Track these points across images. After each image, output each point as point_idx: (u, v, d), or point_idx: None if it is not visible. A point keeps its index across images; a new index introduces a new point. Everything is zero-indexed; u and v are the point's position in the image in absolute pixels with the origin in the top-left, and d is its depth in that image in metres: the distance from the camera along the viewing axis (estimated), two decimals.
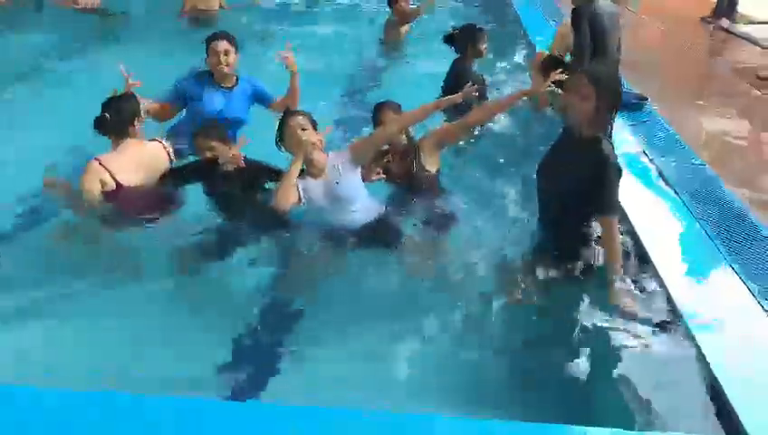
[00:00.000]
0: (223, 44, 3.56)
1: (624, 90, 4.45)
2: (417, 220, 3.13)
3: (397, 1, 6.12)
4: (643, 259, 2.69)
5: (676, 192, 3.17)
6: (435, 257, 2.98)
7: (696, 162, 3.50)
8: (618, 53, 3.96)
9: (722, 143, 3.95)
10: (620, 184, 2.45)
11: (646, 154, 3.59)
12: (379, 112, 3.26)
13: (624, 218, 2.97)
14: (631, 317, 2.45)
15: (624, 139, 3.82)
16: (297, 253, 2.98)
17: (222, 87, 3.64)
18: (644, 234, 2.81)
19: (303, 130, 2.83)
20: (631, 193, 3.15)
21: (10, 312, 2.57)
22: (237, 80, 3.68)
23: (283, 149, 2.91)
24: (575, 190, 2.47)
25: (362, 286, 2.77)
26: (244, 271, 2.92)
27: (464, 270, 2.85)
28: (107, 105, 3.00)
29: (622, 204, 3.00)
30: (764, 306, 2.35)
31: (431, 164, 3.23)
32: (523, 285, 2.68)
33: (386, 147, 3.20)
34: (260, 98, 3.73)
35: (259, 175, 3.13)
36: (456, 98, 3.18)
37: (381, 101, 3.39)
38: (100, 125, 2.96)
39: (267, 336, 2.55)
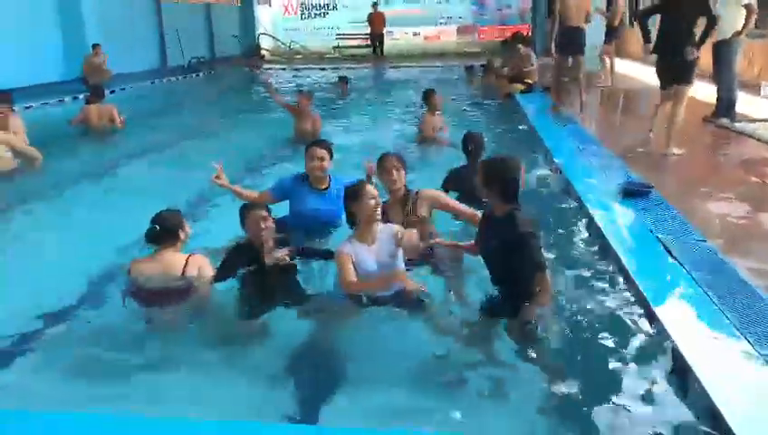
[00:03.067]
0: (320, 151, 4.08)
1: (630, 179, 4.99)
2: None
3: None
4: (651, 316, 3.02)
5: (679, 262, 3.53)
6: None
7: (698, 238, 3.87)
8: None
9: (727, 224, 4.32)
10: (538, 241, 3.00)
11: (652, 232, 3.98)
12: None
13: (635, 288, 3.34)
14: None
15: (632, 220, 4.24)
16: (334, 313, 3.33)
17: (317, 189, 4.13)
18: (651, 298, 3.15)
19: (374, 197, 3.27)
20: (640, 266, 3.54)
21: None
22: (330, 181, 4.17)
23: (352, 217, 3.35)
24: (506, 257, 2.99)
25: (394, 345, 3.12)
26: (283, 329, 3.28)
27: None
28: (156, 219, 3.38)
29: (632, 275, 3.42)
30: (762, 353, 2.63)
31: (425, 214, 3.79)
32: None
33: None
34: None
35: (304, 255, 3.60)
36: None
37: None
38: (151, 237, 3.37)
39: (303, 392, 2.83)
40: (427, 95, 7.55)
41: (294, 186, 4.16)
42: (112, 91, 12.71)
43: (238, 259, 3.50)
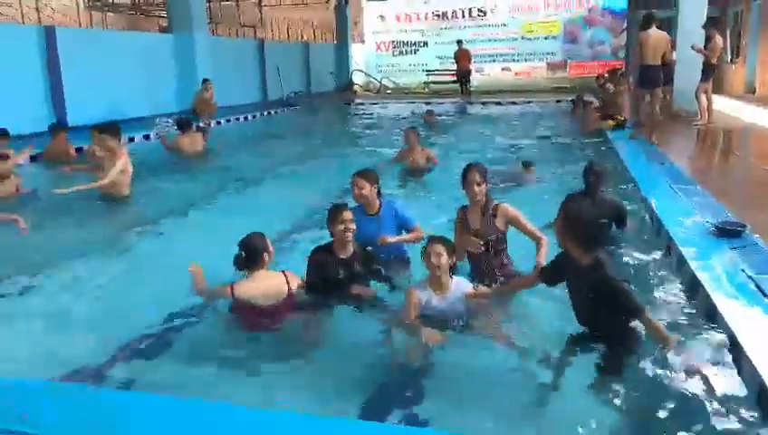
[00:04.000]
0: (358, 181, 4.38)
1: (724, 219, 4.94)
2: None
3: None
4: (741, 355, 3.04)
5: None
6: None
7: None
8: None
9: None
10: (631, 286, 3.07)
11: (744, 271, 3.96)
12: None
13: (723, 325, 3.35)
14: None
15: (724, 260, 4.21)
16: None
17: (369, 214, 4.43)
18: (741, 337, 3.16)
19: (439, 255, 3.54)
20: (729, 304, 3.54)
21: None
22: (380, 206, 4.46)
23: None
24: (598, 305, 3.05)
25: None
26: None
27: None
28: (242, 244, 3.66)
29: (722, 312, 3.43)
30: None
31: (501, 227, 4.04)
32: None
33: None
34: (401, 221, 4.41)
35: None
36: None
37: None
38: (237, 262, 3.66)
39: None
40: (525, 166, 7.75)
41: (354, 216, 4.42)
42: (218, 123, 13.78)
43: (318, 265, 3.91)
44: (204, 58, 15.41)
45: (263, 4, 25.54)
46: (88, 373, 3.34)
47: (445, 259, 3.53)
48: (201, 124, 11.56)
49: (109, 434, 2.32)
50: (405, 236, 4.40)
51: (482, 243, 4.02)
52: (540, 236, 4.03)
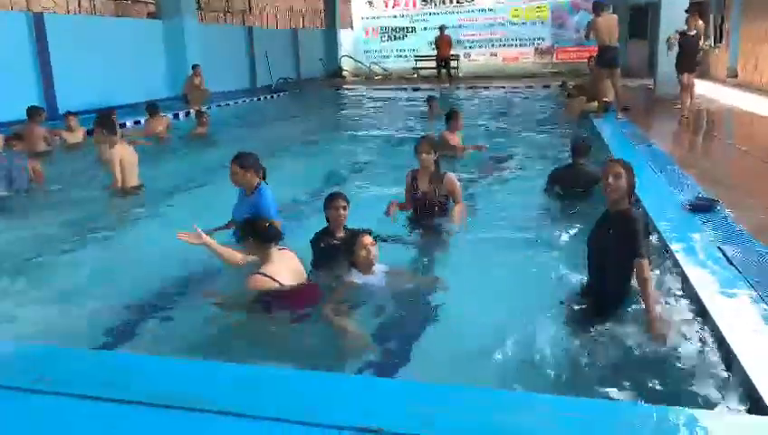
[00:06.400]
0: (232, 166, 4.60)
1: (700, 195, 5.18)
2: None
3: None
4: (707, 318, 3.28)
5: (738, 270, 3.75)
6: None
7: (759, 249, 4.06)
8: None
9: None
10: (648, 238, 3.40)
11: (713, 242, 4.20)
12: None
13: (693, 293, 3.59)
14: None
15: (697, 232, 4.46)
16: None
17: (246, 195, 4.69)
18: (709, 303, 3.39)
19: (374, 246, 3.90)
20: (700, 275, 3.77)
21: None
22: (255, 190, 4.62)
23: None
24: (616, 248, 3.33)
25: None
26: None
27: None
28: (252, 224, 3.71)
29: (693, 281, 3.67)
30: None
31: (445, 189, 4.94)
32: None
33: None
34: (258, 209, 4.45)
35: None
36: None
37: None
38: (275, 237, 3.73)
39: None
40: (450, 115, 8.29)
41: (238, 197, 4.79)
42: (208, 108, 13.83)
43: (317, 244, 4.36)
44: (193, 44, 15.43)
45: None
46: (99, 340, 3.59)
47: (376, 250, 3.94)
48: (202, 110, 11.65)
49: (118, 391, 2.50)
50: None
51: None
52: (460, 201, 5.08)
